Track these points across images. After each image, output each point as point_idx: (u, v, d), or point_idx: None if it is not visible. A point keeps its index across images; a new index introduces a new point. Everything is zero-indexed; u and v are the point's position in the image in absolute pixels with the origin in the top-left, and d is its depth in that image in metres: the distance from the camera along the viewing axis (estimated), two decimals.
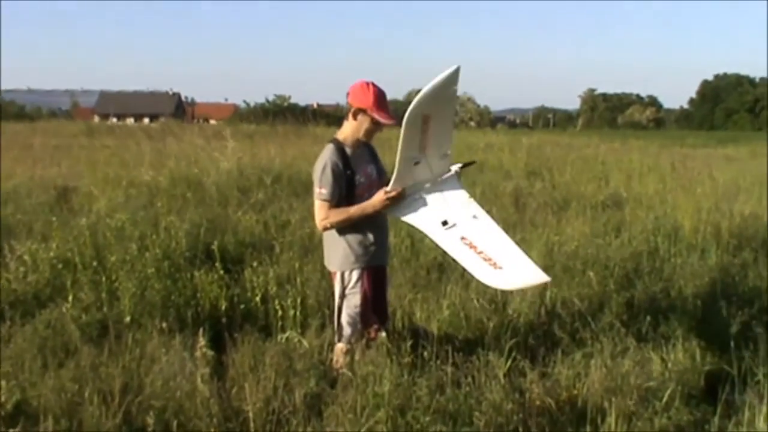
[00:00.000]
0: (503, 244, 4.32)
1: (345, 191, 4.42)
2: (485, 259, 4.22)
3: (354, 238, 4.48)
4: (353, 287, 4.51)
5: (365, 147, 4.61)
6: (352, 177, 4.44)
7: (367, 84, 4.42)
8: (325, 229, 4.48)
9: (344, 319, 4.54)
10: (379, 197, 4.37)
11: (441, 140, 4.32)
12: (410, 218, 4.44)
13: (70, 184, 11.88)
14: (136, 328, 5.29)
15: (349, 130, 4.49)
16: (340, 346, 4.59)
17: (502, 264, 4.21)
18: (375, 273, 4.62)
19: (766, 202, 10.62)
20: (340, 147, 4.46)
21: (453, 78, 3.96)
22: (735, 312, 5.55)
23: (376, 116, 4.40)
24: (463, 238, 4.30)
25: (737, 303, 5.93)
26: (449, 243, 4.34)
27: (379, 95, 4.40)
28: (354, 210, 4.43)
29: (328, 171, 4.36)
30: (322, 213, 4.42)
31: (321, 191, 4.38)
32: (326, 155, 4.42)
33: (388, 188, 4.35)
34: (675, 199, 10.36)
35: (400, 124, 4.14)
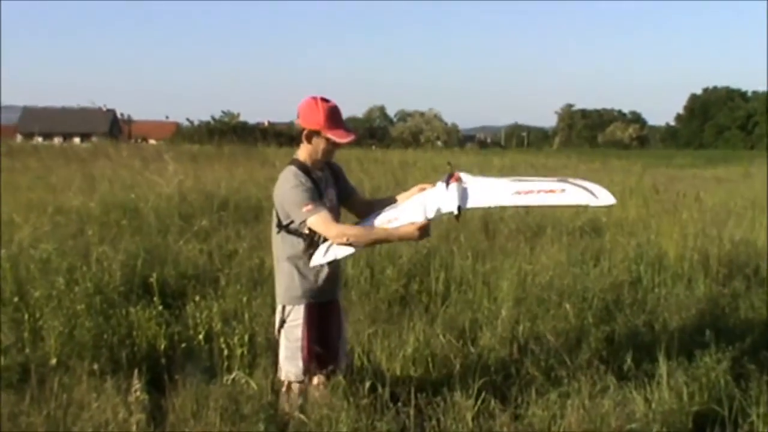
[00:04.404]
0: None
1: None
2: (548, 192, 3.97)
3: (302, 271, 4.40)
4: (293, 320, 4.43)
5: (326, 168, 4.55)
6: (321, 198, 4.36)
7: (315, 101, 4.32)
8: (344, 244, 4.25)
9: (282, 353, 4.50)
10: (408, 230, 4.18)
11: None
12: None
13: None
14: (63, 371, 5.22)
15: (305, 153, 4.41)
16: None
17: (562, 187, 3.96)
18: (324, 308, 4.54)
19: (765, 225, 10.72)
20: (304, 167, 4.37)
21: None
22: (725, 347, 5.56)
23: (331, 136, 4.32)
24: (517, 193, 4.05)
25: (727, 337, 5.96)
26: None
27: (330, 111, 4.31)
28: (380, 232, 4.31)
29: (307, 186, 4.26)
30: (332, 225, 4.23)
31: (310, 207, 4.21)
32: (291, 176, 4.31)
33: (417, 220, 4.19)
34: (659, 225, 10.46)
35: (359, 140, 4.15)
